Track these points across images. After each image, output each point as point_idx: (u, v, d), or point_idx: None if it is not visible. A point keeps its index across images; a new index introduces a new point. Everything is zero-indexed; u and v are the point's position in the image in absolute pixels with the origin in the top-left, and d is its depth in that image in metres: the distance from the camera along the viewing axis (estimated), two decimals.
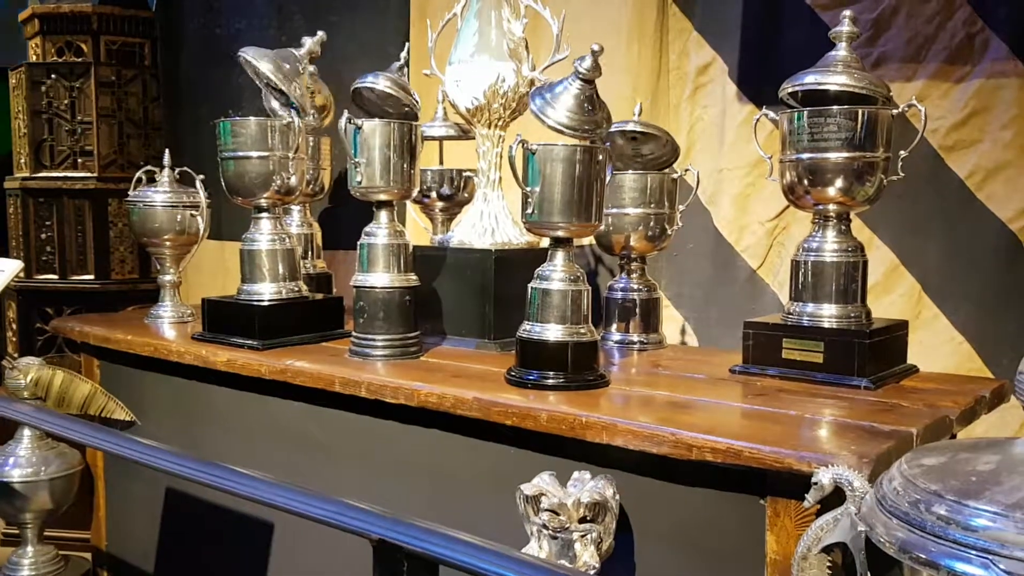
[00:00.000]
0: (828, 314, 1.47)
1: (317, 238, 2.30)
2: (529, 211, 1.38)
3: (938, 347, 2.01)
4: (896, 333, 1.49)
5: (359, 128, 1.60)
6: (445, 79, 1.88)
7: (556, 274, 1.40)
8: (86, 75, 3.02)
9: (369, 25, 2.68)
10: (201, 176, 2.12)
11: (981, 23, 2.04)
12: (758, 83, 2.25)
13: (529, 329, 1.42)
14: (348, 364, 1.63)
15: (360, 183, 1.62)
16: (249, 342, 1.76)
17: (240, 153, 1.79)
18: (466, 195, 2.17)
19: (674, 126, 2.37)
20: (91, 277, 3.01)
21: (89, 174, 3.02)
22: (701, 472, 1.15)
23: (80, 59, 3.04)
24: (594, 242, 1.94)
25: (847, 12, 1.52)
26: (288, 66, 1.87)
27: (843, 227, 1.50)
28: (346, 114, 1.59)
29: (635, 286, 1.81)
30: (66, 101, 3.04)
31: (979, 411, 1.32)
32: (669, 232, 1.80)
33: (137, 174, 2.19)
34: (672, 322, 2.37)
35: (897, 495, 0.85)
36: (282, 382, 1.64)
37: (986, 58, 2.04)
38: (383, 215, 1.67)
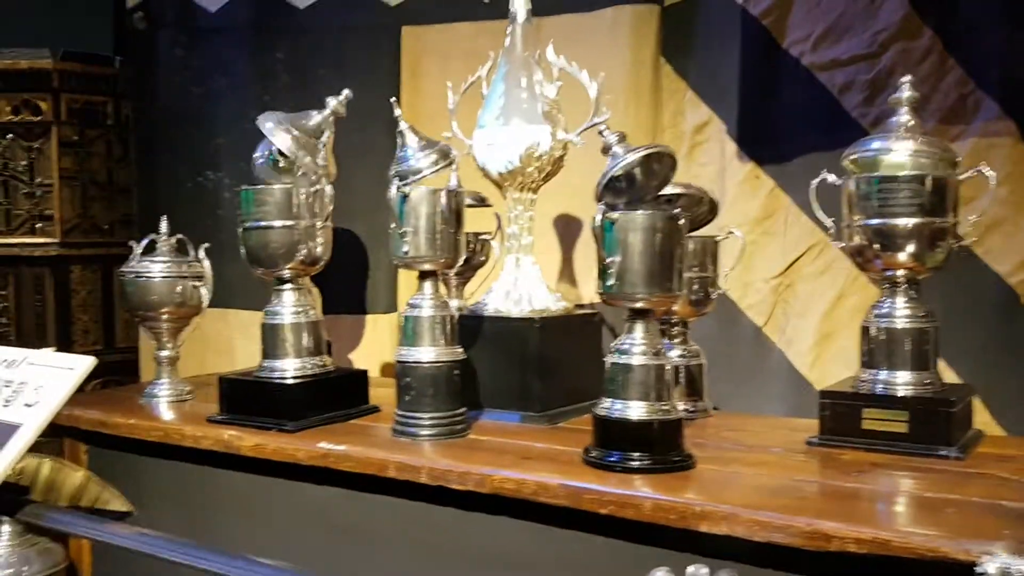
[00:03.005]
0: (903, 381, 1.44)
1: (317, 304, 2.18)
2: (610, 282, 1.31)
3: None
4: (968, 398, 1.46)
5: (407, 196, 1.51)
6: (474, 143, 1.82)
7: (637, 347, 1.33)
8: (46, 135, 2.84)
9: (357, 83, 2.59)
10: (206, 244, 1.99)
11: (973, 84, 2.08)
12: (757, 141, 2.26)
13: (609, 406, 1.35)
14: (395, 446, 1.52)
15: (407, 253, 1.53)
16: (278, 424, 1.63)
17: (263, 223, 1.68)
18: (483, 259, 2.09)
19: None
20: (51, 350, 2.79)
21: (49, 240, 2.82)
22: (830, 562, 1.08)
23: (39, 118, 2.86)
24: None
25: (906, 78, 1.52)
26: (306, 137, 1.77)
27: (913, 292, 1.48)
28: (396, 182, 1.50)
29: (679, 353, 1.75)
30: (24, 162, 2.85)
31: None
32: (712, 296, 1.76)
33: (135, 244, 2.02)
34: None
35: None
36: (323, 467, 1.52)
37: (978, 118, 2.08)
38: (427, 286, 1.58)
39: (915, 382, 1.44)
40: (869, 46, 2.09)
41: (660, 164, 1.42)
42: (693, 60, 2.31)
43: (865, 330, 1.50)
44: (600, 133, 1.40)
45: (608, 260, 1.30)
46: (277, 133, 1.74)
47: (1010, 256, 2.02)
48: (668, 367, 1.33)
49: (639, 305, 1.33)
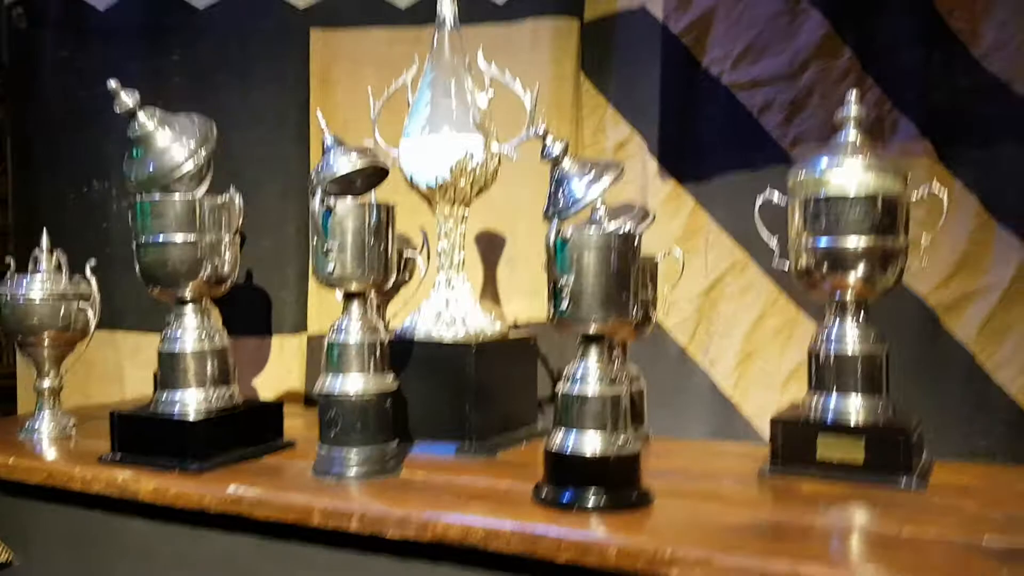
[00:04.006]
0: (855, 407, 1.39)
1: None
2: (563, 305, 1.21)
3: None
4: (919, 427, 1.42)
5: (332, 209, 1.37)
6: (400, 153, 1.69)
7: (591, 375, 1.23)
8: None
9: (262, 90, 2.43)
10: (92, 261, 1.78)
11: (890, 104, 2.09)
12: (678, 159, 2.22)
13: (560, 440, 1.24)
14: (318, 488, 1.36)
15: (332, 272, 1.39)
16: (180, 464, 1.45)
17: (161, 238, 1.50)
18: (407, 277, 1.95)
19: None
20: None
21: None
22: None
23: None
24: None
25: (852, 92, 1.47)
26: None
27: (862, 316, 1.43)
28: (320, 192, 1.36)
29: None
30: None
31: None
32: (652, 318, 1.68)
33: (11, 260, 1.80)
34: None
35: None
36: (234, 515, 1.35)
37: (896, 137, 2.09)
38: (355, 308, 1.43)
39: (868, 407, 1.39)
40: (789, 65, 2.07)
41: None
42: (613, 76, 2.25)
43: (814, 355, 1.45)
44: (543, 142, 1.29)
45: (561, 282, 1.19)
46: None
47: (929, 277, 2.03)
48: (624, 396, 1.24)
49: (594, 330, 1.23)
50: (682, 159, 2.18)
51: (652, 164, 2.20)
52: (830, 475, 1.35)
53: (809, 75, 2.05)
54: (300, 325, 2.41)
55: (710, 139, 2.15)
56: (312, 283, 2.42)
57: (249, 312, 2.40)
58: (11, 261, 1.82)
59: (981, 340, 1.87)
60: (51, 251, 1.80)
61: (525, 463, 1.56)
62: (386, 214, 1.42)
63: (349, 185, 1.45)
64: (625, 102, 2.25)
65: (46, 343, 1.77)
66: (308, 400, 2.34)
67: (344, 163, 1.40)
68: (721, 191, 2.13)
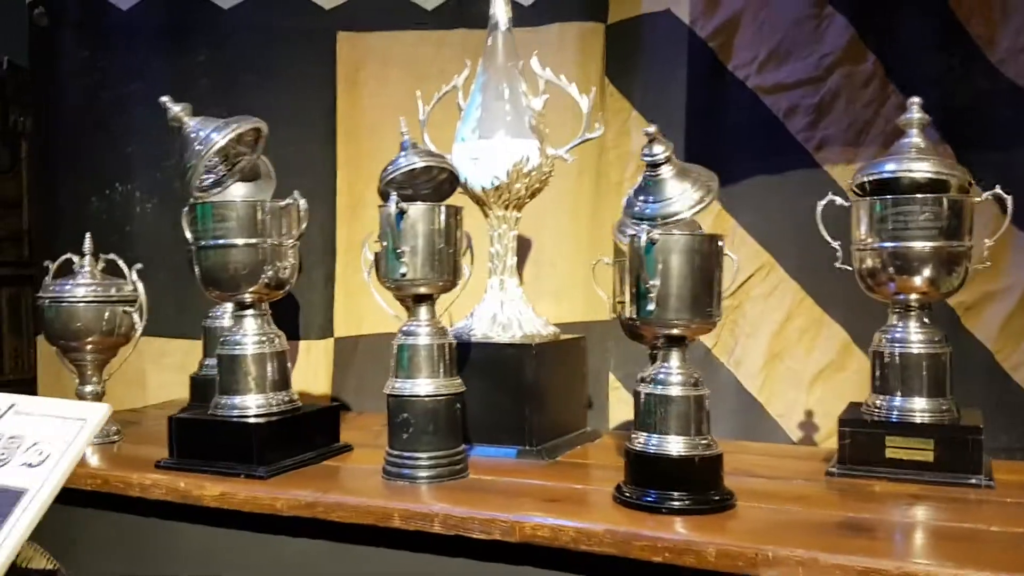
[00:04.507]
0: (920, 408, 1.41)
1: None
2: (649, 307, 1.22)
3: None
4: (986, 427, 1.44)
5: (404, 212, 1.37)
6: (453, 156, 1.68)
7: (674, 377, 1.24)
8: None
9: (288, 91, 2.41)
10: (138, 265, 1.76)
11: None
12: (703, 163, 2.23)
13: (645, 441, 1.24)
14: (392, 491, 1.36)
15: (405, 275, 1.38)
16: (246, 470, 1.44)
17: (223, 241, 1.49)
18: None
19: (617, 203, 2.30)
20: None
21: None
22: None
23: None
24: None
25: (915, 99, 1.50)
26: None
27: (926, 318, 1.45)
28: (395, 196, 1.35)
29: None
30: None
31: None
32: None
33: (50, 264, 1.77)
34: (623, 404, 2.27)
35: None
36: (309, 518, 1.34)
37: None
38: (424, 311, 1.43)
39: (932, 408, 1.41)
40: (814, 70, 2.09)
41: None
42: (638, 80, 2.27)
43: (877, 356, 1.47)
44: (650, 145, 1.30)
45: (650, 284, 1.20)
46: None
47: None
48: (707, 398, 1.25)
49: (676, 332, 1.24)
50: (707, 162, 2.20)
51: None
52: (899, 475, 1.37)
53: (834, 79, 2.08)
54: (327, 329, 2.40)
55: (735, 143, 2.17)
56: (339, 287, 2.41)
57: (275, 316, 2.38)
58: (48, 264, 1.79)
59: (1000, 340, 1.91)
60: (95, 254, 1.78)
61: (587, 464, 1.57)
62: (455, 217, 1.42)
63: (416, 191, 1.46)
64: (650, 105, 2.26)
65: (89, 348, 1.75)
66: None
67: (414, 159, 1.40)
68: (747, 194, 2.14)
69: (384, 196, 1.41)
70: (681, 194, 1.28)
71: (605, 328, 2.19)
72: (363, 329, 2.38)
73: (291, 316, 2.41)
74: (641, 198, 1.29)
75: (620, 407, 2.24)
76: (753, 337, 2.16)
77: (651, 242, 1.20)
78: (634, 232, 1.24)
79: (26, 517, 0.78)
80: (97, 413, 0.84)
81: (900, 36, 2.02)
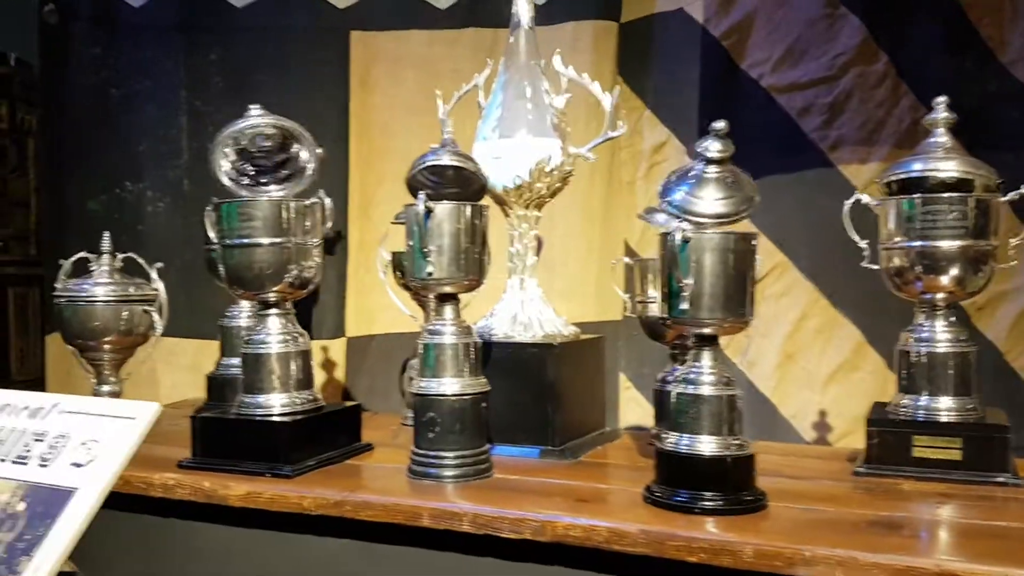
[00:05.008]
0: (946, 407, 1.41)
1: None
2: (683, 306, 1.21)
3: None
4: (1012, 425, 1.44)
5: (432, 211, 1.36)
6: (475, 155, 1.68)
7: (706, 376, 1.24)
8: None
9: (301, 90, 2.40)
10: (158, 264, 1.75)
11: (924, 110, 2.13)
12: None
13: (676, 441, 1.24)
14: (418, 489, 1.36)
15: (431, 274, 1.38)
16: (271, 468, 1.43)
17: (248, 240, 1.48)
18: None
19: (628, 203, 2.30)
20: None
21: None
22: None
23: None
24: None
25: (941, 98, 1.50)
26: None
27: (952, 317, 1.46)
28: (423, 195, 1.35)
29: None
30: None
31: None
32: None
33: (63, 263, 1.77)
34: (633, 404, 2.27)
35: None
36: (336, 517, 1.33)
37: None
38: (449, 310, 1.43)
39: (959, 408, 1.41)
40: (828, 70, 2.10)
41: None
42: (650, 79, 2.27)
43: (904, 355, 1.47)
44: (712, 140, 1.29)
45: (684, 283, 1.20)
46: None
47: None
48: (740, 399, 1.24)
49: (708, 331, 1.24)
50: None
51: None
52: (926, 473, 1.37)
53: (848, 79, 2.08)
54: (339, 329, 2.39)
55: (749, 142, 2.15)
56: (351, 286, 2.40)
57: None
58: (63, 262, 1.78)
59: (1010, 340, 1.91)
60: (113, 253, 1.77)
61: (611, 464, 1.56)
62: (481, 216, 1.42)
63: (440, 189, 1.45)
64: (662, 104, 2.26)
65: (107, 348, 1.74)
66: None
67: (443, 156, 1.40)
68: (761, 194, 2.14)
69: (412, 188, 1.41)
70: (731, 197, 1.27)
71: (616, 328, 2.19)
72: (375, 328, 2.37)
73: (304, 316, 2.40)
74: (685, 190, 1.28)
75: (631, 407, 2.24)
76: (767, 337, 2.16)
77: (685, 240, 1.20)
78: (667, 231, 1.23)
79: (78, 516, 0.77)
80: (147, 411, 0.83)
81: (912, 37, 2.03)
